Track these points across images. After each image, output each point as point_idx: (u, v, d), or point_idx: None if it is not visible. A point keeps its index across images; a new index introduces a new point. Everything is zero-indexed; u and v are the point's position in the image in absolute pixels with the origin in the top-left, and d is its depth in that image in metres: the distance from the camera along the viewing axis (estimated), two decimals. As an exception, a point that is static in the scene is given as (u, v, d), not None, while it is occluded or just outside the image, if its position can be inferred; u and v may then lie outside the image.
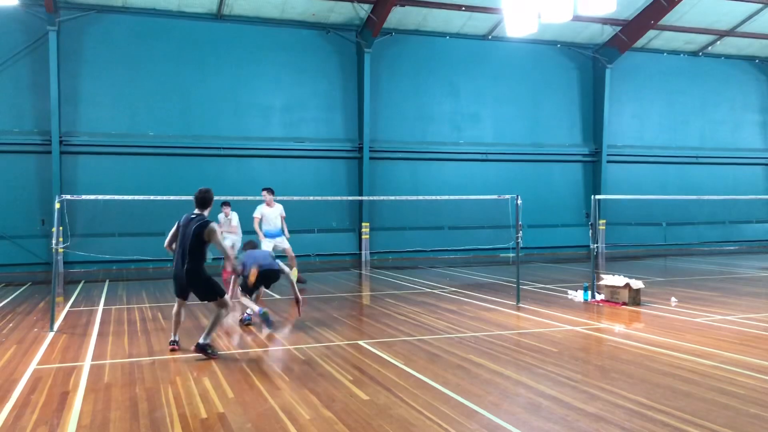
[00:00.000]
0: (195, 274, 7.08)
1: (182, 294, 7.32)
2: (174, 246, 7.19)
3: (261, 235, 12.70)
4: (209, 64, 18.63)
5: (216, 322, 7.10)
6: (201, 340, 6.96)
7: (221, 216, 13.66)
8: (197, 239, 6.98)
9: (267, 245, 12.51)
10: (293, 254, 13.01)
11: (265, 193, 12.82)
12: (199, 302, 8.07)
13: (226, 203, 13.53)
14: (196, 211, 7.20)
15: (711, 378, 5.87)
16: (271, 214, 12.82)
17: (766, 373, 6.04)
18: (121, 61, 17.80)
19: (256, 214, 12.80)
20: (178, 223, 7.20)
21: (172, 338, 7.37)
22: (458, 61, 20.97)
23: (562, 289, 11.94)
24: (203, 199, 7.24)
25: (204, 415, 4.99)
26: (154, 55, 18.14)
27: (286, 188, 18.60)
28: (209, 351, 6.89)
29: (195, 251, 7.02)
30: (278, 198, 13.41)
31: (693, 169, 23.81)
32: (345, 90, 19.94)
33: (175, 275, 7.20)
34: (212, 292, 7.18)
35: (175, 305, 7.44)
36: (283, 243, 12.93)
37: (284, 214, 13.02)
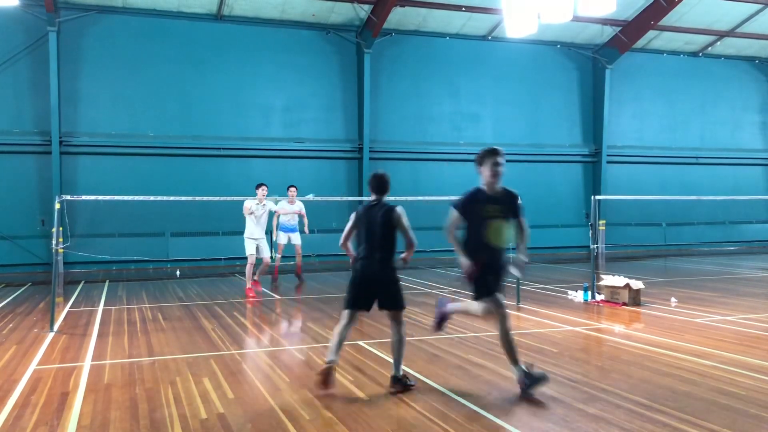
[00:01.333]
0: (391, 271, 5.92)
1: (368, 302, 5.81)
2: (349, 243, 6.02)
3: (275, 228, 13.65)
4: (209, 65, 18.63)
5: (403, 343, 5.78)
6: (395, 372, 5.70)
7: (254, 203, 11.90)
8: (387, 228, 5.86)
9: (282, 238, 13.52)
10: (301, 252, 13.90)
11: (293, 189, 13.69)
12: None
13: (261, 185, 12.23)
14: (374, 197, 6.03)
15: (711, 378, 5.87)
16: (290, 209, 13.64)
17: (766, 373, 6.04)
18: (121, 61, 17.81)
19: (278, 208, 13.41)
20: (357, 215, 5.97)
21: (332, 357, 5.64)
22: (458, 61, 20.98)
23: (562, 290, 11.94)
24: (380, 184, 6.02)
25: (204, 415, 4.99)
26: (154, 56, 18.14)
27: (286, 188, 18.63)
28: (407, 382, 5.68)
29: (387, 242, 5.86)
30: (278, 198, 13.52)
31: (693, 170, 23.81)
32: (345, 90, 19.95)
33: (368, 275, 5.79)
34: (401, 298, 5.89)
35: (346, 318, 5.76)
36: (297, 239, 13.71)
37: (304, 212, 13.82)
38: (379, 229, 5.81)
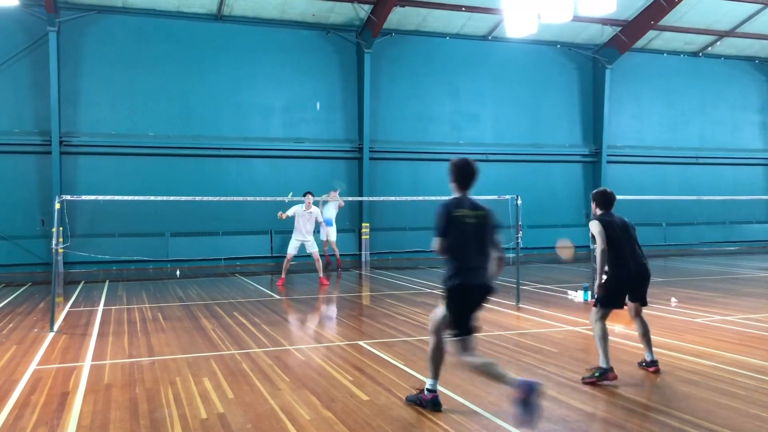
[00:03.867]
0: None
1: (642, 296, 6.25)
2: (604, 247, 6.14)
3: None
4: (209, 64, 18.63)
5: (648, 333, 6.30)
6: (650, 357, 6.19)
7: (301, 208, 13.49)
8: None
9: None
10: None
11: (309, 196, 13.65)
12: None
13: (308, 193, 13.68)
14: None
15: (711, 378, 5.87)
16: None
17: (766, 373, 6.04)
18: (121, 61, 17.80)
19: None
20: (608, 223, 6.28)
21: (605, 365, 5.78)
22: (458, 61, 20.97)
23: (562, 290, 11.95)
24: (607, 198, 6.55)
25: (204, 415, 4.99)
26: (154, 56, 18.14)
27: (286, 188, 18.59)
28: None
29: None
30: (278, 198, 13.52)
31: (693, 170, 23.80)
32: (345, 90, 19.94)
33: (640, 271, 6.12)
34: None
35: (633, 312, 6.33)
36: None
37: (320, 219, 14.11)
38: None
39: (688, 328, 8.36)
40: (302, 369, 6.40)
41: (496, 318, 9.19)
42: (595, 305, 6.16)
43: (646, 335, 6.26)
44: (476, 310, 4.90)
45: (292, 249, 13.50)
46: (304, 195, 13.57)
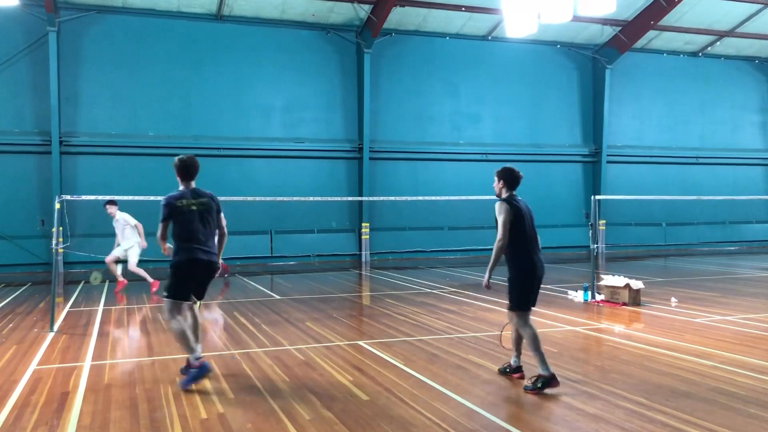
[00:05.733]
0: None
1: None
2: (506, 241, 5.65)
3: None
4: (209, 65, 18.64)
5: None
6: (542, 372, 5.53)
7: None
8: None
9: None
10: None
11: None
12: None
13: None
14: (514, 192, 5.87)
15: (711, 378, 5.87)
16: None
17: (766, 373, 6.04)
18: (121, 61, 17.81)
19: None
20: (520, 211, 5.72)
21: (546, 372, 5.51)
22: (458, 61, 20.98)
23: (562, 289, 11.94)
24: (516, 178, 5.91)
25: (204, 415, 4.99)
26: (154, 55, 18.15)
27: (286, 188, 18.66)
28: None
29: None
30: (278, 198, 13.48)
31: (693, 170, 23.82)
32: (345, 90, 19.95)
33: (542, 272, 5.81)
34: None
35: (527, 318, 5.77)
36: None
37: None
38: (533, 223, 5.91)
39: (688, 328, 8.36)
40: (302, 369, 6.40)
41: (496, 318, 9.19)
42: (511, 309, 5.78)
43: (519, 340, 5.95)
44: (200, 282, 6.01)
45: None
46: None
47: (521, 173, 5.90)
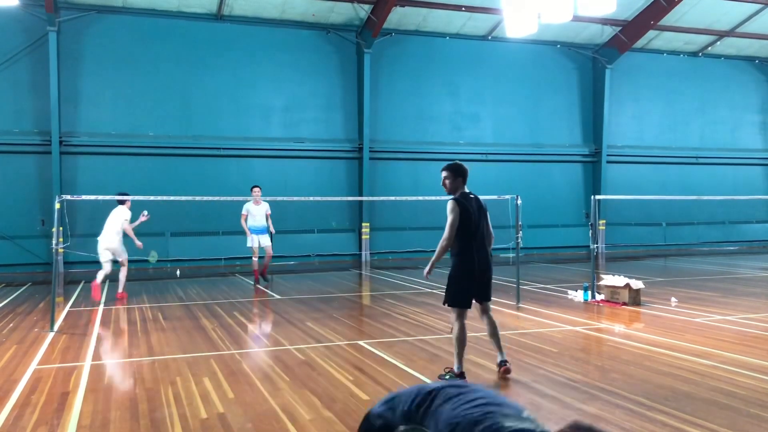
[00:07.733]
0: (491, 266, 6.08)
1: (486, 295, 6.13)
2: (453, 240, 5.96)
3: (247, 231, 13.32)
4: (209, 64, 18.63)
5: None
6: (502, 358, 6.01)
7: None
8: (488, 221, 6.09)
9: (252, 241, 13.26)
10: (272, 253, 13.68)
11: (257, 190, 13.39)
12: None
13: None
14: (465, 189, 6.15)
15: (711, 378, 5.87)
16: (257, 211, 13.34)
17: (766, 373, 6.04)
18: (121, 61, 17.80)
19: (243, 211, 13.36)
20: (465, 208, 5.93)
21: (458, 369, 5.86)
22: (458, 61, 20.97)
23: (562, 289, 11.94)
24: (466, 173, 6.22)
25: (204, 415, 4.99)
26: (154, 55, 18.14)
27: (286, 188, 18.65)
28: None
29: (488, 237, 6.09)
30: (278, 198, 13.51)
31: (693, 170, 23.80)
32: (345, 90, 19.94)
33: (484, 270, 5.98)
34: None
35: (465, 318, 6.03)
36: (266, 240, 13.40)
37: (270, 212, 13.49)
38: (485, 224, 6.08)
39: (688, 327, 8.36)
40: (302, 369, 6.40)
41: (496, 318, 9.17)
42: (444, 303, 6.08)
43: (495, 335, 6.11)
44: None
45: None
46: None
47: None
